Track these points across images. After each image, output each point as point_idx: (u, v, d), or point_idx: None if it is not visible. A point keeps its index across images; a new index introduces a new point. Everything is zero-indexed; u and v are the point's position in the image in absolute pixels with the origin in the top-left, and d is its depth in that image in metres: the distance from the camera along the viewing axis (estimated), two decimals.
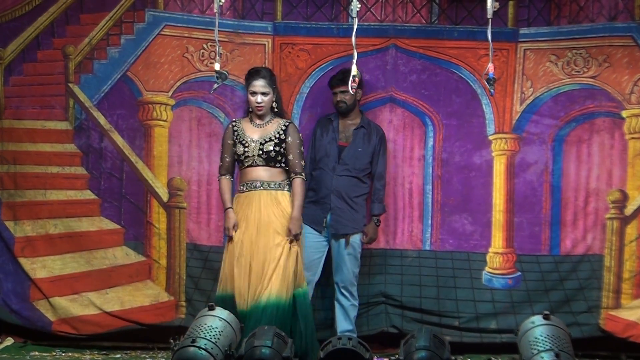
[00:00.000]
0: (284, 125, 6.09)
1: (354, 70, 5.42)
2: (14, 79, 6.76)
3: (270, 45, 6.79)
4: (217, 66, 5.71)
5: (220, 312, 5.59)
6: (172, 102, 6.80)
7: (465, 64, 6.71)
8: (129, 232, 6.82)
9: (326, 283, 6.58)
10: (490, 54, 5.53)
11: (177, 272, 6.81)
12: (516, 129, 6.72)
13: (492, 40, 5.51)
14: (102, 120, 6.78)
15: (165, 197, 6.80)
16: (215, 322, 5.48)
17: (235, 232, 6.02)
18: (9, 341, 6.69)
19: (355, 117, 6.55)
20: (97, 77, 6.79)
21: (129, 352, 6.62)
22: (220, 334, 5.41)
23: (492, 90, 5.56)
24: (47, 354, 6.45)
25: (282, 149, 6.05)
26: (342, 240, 6.44)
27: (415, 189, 6.80)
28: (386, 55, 6.74)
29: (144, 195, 6.82)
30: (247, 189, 6.07)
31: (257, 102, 6.07)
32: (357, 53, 5.48)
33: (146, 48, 6.77)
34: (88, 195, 6.83)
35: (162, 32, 6.77)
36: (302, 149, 6.10)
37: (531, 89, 6.70)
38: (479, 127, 6.73)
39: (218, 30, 5.85)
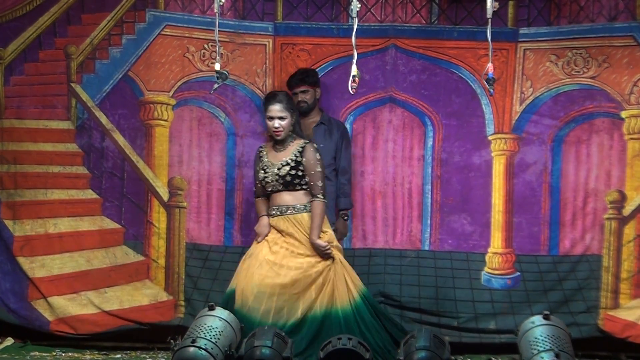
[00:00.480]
0: (301, 147, 6.04)
1: (354, 71, 5.41)
2: (14, 78, 6.76)
3: (270, 46, 6.79)
4: (217, 66, 5.70)
5: (220, 312, 5.60)
6: (173, 101, 6.80)
7: (465, 64, 6.71)
8: (129, 232, 6.83)
9: None
10: (490, 54, 5.53)
11: (176, 271, 6.81)
12: (516, 129, 6.72)
13: (491, 41, 5.50)
14: (103, 119, 6.80)
15: (165, 196, 6.82)
16: (215, 322, 5.49)
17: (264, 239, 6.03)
18: (9, 341, 6.69)
19: (315, 115, 6.55)
20: (99, 76, 6.80)
21: (128, 352, 6.62)
22: (220, 334, 5.42)
23: (491, 91, 5.56)
24: (47, 354, 6.45)
25: (298, 172, 6.01)
26: None
27: (415, 189, 6.79)
28: (386, 55, 6.74)
29: (144, 195, 6.83)
30: (275, 213, 6.06)
31: (275, 128, 6.02)
32: (357, 53, 5.47)
33: (147, 48, 6.78)
34: (90, 194, 6.84)
35: (163, 32, 6.78)
36: (319, 169, 6.00)
37: (531, 89, 6.69)
38: (479, 127, 6.72)
39: (219, 31, 5.83)
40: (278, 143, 6.08)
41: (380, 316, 6.10)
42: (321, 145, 6.38)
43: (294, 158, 6.02)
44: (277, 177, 6.00)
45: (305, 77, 6.47)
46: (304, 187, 6.02)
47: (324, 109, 6.64)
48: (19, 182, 6.76)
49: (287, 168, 6.00)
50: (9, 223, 6.75)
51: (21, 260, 6.73)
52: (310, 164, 6.00)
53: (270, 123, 6.03)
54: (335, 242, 6.09)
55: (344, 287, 5.98)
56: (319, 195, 5.99)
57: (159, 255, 6.83)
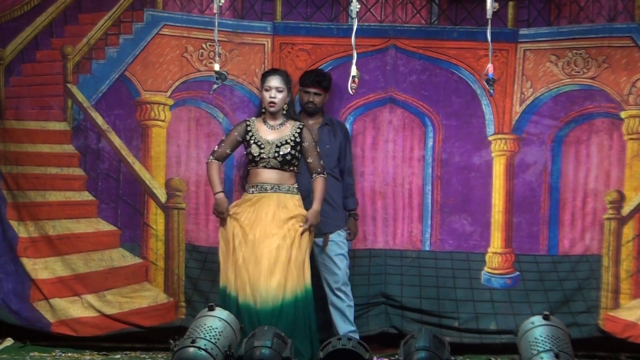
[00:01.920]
0: (299, 128, 6.11)
1: (354, 71, 5.40)
2: (13, 79, 6.73)
3: (269, 45, 6.78)
4: (216, 66, 5.68)
5: (220, 312, 5.58)
6: (170, 102, 6.78)
7: (465, 65, 6.72)
8: (125, 234, 6.80)
9: (315, 285, 6.55)
10: (490, 55, 5.53)
11: (176, 273, 6.79)
12: (516, 129, 6.73)
13: (491, 41, 5.51)
14: (99, 120, 6.77)
15: (163, 198, 6.79)
16: (215, 323, 5.47)
17: (229, 215, 6.03)
18: (9, 341, 6.67)
19: (318, 117, 6.54)
20: (95, 77, 6.77)
21: (128, 352, 6.61)
22: (220, 335, 5.40)
23: (491, 91, 5.56)
24: (47, 355, 6.44)
25: (297, 153, 6.07)
26: (330, 242, 6.40)
27: (415, 189, 6.80)
28: (386, 55, 6.75)
29: (141, 197, 6.80)
30: (257, 191, 6.08)
31: (271, 97, 6.07)
32: (357, 53, 5.45)
33: (145, 48, 6.76)
34: (86, 196, 6.81)
35: (161, 32, 6.75)
36: (318, 149, 6.14)
37: (531, 90, 6.71)
38: (479, 127, 6.73)
39: (217, 30, 5.84)
40: (270, 119, 6.11)
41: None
42: (327, 147, 6.41)
43: (293, 138, 6.07)
44: (276, 154, 6.04)
45: (322, 80, 6.42)
46: (294, 167, 6.10)
47: (325, 110, 6.63)
48: (20, 183, 6.73)
49: (289, 147, 6.04)
50: (14, 224, 6.72)
51: (24, 261, 6.71)
52: (312, 144, 6.10)
53: (266, 94, 6.09)
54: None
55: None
56: (323, 173, 6.13)
57: (157, 257, 6.80)
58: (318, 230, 6.31)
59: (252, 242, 5.96)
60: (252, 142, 6.08)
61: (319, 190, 6.10)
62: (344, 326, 6.43)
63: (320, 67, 6.69)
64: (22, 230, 6.72)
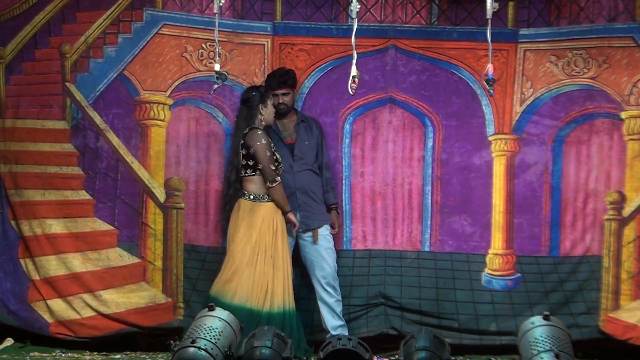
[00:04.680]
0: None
1: (354, 71, 5.41)
2: (14, 78, 6.73)
3: (269, 46, 6.78)
4: (217, 67, 5.68)
5: (220, 312, 5.59)
6: (170, 101, 6.78)
7: (465, 65, 6.72)
8: (122, 234, 6.79)
9: (300, 284, 6.64)
10: (490, 55, 5.54)
11: (174, 273, 6.78)
12: (516, 129, 6.73)
13: (491, 41, 5.52)
14: (97, 119, 6.76)
15: (162, 197, 6.78)
16: (215, 323, 5.47)
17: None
18: (9, 341, 6.66)
19: (291, 115, 6.59)
20: (93, 75, 6.77)
21: (128, 352, 6.61)
22: (220, 335, 5.40)
23: (491, 91, 5.57)
24: (47, 355, 6.44)
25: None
26: (319, 236, 6.45)
27: (415, 189, 6.80)
28: (386, 56, 6.75)
29: (139, 196, 6.79)
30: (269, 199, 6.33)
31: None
32: (357, 54, 5.47)
33: (144, 47, 6.75)
34: (83, 195, 6.80)
35: (161, 32, 6.75)
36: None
37: (531, 90, 6.71)
38: (479, 127, 6.74)
39: (217, 30, 5.83)
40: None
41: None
42: (306, 143, 6.51)
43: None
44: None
45: (286, 79, 6.47)
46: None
47: (297, 108, 6.68)
48: (20, 182, 6.72)
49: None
50: (13, 223, 6.71)
51: (22, 261, 6.70)
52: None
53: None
54: None
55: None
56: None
57: (155, 257, 6.80)
58: (307, 226, 6.45)
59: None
60: (274, 150, 6.31)
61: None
62: (333, 321, 6.47)
63: (320, 67, 6.74)
64: (21, 230, 6.71)
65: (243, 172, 6.32)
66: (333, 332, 6.39)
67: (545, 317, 5.48)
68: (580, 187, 6.70)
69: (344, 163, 6.80)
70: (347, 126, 6.74)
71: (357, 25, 5.52)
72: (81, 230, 6.78)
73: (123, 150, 6.77)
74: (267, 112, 6.34)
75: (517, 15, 6.71)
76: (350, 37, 5.45)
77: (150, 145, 6.78)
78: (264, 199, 6.30)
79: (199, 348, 5.26)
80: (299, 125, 6.55)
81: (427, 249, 6.79)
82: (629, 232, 6.63)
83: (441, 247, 6.77)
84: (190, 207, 6.79)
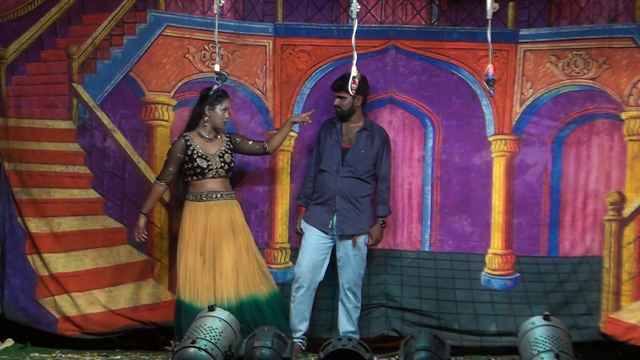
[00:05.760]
0: (227, 137, 6.54)
1: (354, 72, 5.42)
2: (17, 78, 6.77)
3: (270, 47, 6.80)
4: (217, 67, 5.70)
5: (220, 312, 5.61)
6: (173, 102, 6.82)
7: (465, 65, 6.72)
8: (131, 231, 6.79)
9: (328, 284, 6.62)
10: (490, 55, 5.51)
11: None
12: (516, 130, 6.72)
13: (492, 42, 5.49)
14: (105, 120, 6.81)
15: (167, 196, 6.81)
16: (215, 323, 5.50)
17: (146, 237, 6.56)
18: (9, 342, 6.69)
19: (358, 120, 6.57)
20: (101, 77, 6.81)
21: (129, 353, 6.64)
22: (220, 335, 5.42)
23: (491, 92, 5.54)
24: (47, 355, 6.46)
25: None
26: (349, 242, 6.47)
27: (415, 190, 6.81)
28: (386, 56, 6.76)
29: (145, 195, 6.82)
30: (206, 198, 6.41)
31: (226, 118, 6.50)
32: (357, 54, 5.47)
33: (148, 48, 6.79)
34: (92, 194, 6.86)
35: (164, 33, 6.79)
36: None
37: (531, 90, 6.69)
38: (479, 128, 6.73)
39: (219, 32, 5.84)
40: (208, 133, 6.49)
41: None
42: (362, 152, 6.49)
43: (230, 147, 6.52)
44: (222, 164, 6.44)
45: (343, 84, 6.43)
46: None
47: (367, 115, 6.66)
48: (25, 180, 6.77)
49: (230, 156, 6.50)
50: (21, 221, 6.76)
51: (31, 257, 6.75)
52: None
53: (222, 114, 6.47)
54: None
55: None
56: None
57: (162, 254, 6.84)
58: (341, 231, 6.47)
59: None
60: (196, 156, 6.43)
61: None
62: (347, 326, 6.50)
63: (320, 68, 6.78)
64: (29, 227, 6.75)
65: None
66: None
67: (546, 317, 5.47)
68: (580, 187, 6.69)
69: None
70: None
71: (358, 26, 5.51)
72: (91, 227, 6.83)
73: (130, 150, 6.82)
74: (213, 115, 6.43)
75: (517, 15, 6.70)
76: (351, 38, 5.44)
77: (155, 145, 6.83)
78: (192, 198, 6.44)
79: (199, 348, 5.29)
80: (360, 132, 6.53)
81: (427, 249, 6.80)
82: (629, 233, 6.61)
83: (441, 247, 6.78)
84: None
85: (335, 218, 6.47)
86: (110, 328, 6.76)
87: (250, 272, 6.41)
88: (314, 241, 6.49)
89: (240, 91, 6.76)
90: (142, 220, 6.47)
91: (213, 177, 6.42)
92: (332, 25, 6.79)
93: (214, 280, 6.34)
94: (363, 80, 6.45)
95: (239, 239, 6.41)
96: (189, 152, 6.38)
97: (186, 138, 6.42)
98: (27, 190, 6.77)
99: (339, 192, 6.46)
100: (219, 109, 6.41)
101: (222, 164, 6.42)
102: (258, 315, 6.34)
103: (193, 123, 6.46)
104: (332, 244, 6.52)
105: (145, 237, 6.51)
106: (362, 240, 6.50)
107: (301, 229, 6.58)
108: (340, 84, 6.40)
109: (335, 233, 6.49)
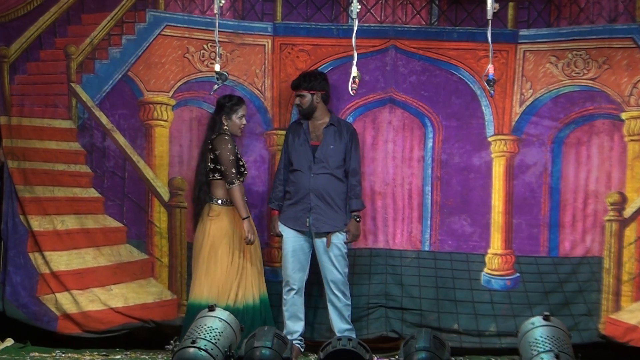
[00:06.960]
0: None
1: (354, 72, 5.42)
2: (19, 77, 6.78)
3: (270, 46, 6.80)
4: (217, 67, 5.72)
5: (220, 312, 5.62)
6: (172, 102, 6.81)
7: (465, 65, 6.72)
8: (131, 231, 6.85)
9: (321, 282, 6.62)
10: (490, 55, 5.54)
11: (179, 270, 6.84)
12: (515, 130, 6.72)
13: (491, 42, 5.53)
14: (104, 119, 6.81)
15: (166, 196, 6.83)
16: (215, 323, 5.50)
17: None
18: (9, 342, 6.69)
19: (323, 117, 6.56)
20: (99, 76, 6.81)
21: (128, 352, 6.64)
22: (220, 335, 5.43)
23: (491, 92, 5.57)
24: (47, 355, 6.46)
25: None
26: (324, 240, 6.47)
27: (415, 190, 6.80)
28: (386, 56, 6.75)
29: (145, 195, 6.84)
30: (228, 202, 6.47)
31: (243, 125, 6.51)
32: (357, 54, 5.49)
33: (147, 48, 6.79)
34: (92, 193, 6.86)
35: (163, 33, 6.78)
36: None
37: (531, 91, 6.69)
38: (479, 128, 6.73)
39: (218, 31, 5.85)
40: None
41: None
42: (331, 147, 6.47)
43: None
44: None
45: (301, 82, 6.48)
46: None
47: (332, 111, 6.65)
48: (29, 178, 6.78)
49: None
50: (23, 218, 6.76)
51: (32, 255, 6.76)
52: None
53: (240, 122, 6.49)
54: None
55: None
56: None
57: (162, 254, 6.85)
58: (317, 229, 6.44)
59: None
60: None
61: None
62: (341, 324, 6.49)
63: (320, 67, 6.74)
64: (31, 225, 6.76)
65: (211, 176, 6.41)
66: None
67: (545, 318, 5.48)
68: (580, 188, 6.69)
69: None
70: None
71: (358, 26, 5.55)
72: (92, 226, 6.83)
73: (129, 150, 6.82)
74: (230, 124, 6.42)
75: (517, 16, 6.69)
76: (351, 38, 5.47)
77: (154, 145, 6.83)
78: (229, 204, 6.40)
79: (199, 348, 5.30)
80: (327, 128, 6.53)
81: (427, 249, 6.80)
82: (629, 233, 6.61)
83: (441, 246, 6.78)
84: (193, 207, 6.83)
85: (310, 217, 6.46)
86: (110, 326, 6.76)
87: (261, 274, 6.50)
88: (293, 242, 6.51)
89: (239, 91, 6.75)
90: (249, 223, 6.40)
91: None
92: (332, 24, 6.78)
93: (245, 281, 6.41)
94: (321, 76, 6.51)
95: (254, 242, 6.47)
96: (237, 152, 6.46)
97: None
98: (31, 188, 6.78)
99: (313, 189, 6.46)
100: (235, 117, 6.43)
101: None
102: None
103: (212, 131, 6.44)
104: (311, 243, 6.53)
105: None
106: (340, 238, 6.48)
107: (279, 232, 6.58)
108: (297, 82, 6.45)
109: (310, 232, 6.49)
